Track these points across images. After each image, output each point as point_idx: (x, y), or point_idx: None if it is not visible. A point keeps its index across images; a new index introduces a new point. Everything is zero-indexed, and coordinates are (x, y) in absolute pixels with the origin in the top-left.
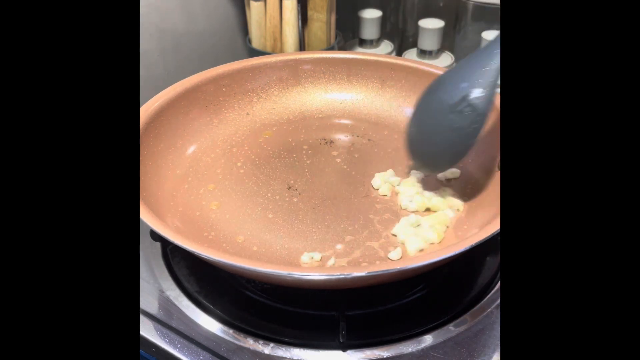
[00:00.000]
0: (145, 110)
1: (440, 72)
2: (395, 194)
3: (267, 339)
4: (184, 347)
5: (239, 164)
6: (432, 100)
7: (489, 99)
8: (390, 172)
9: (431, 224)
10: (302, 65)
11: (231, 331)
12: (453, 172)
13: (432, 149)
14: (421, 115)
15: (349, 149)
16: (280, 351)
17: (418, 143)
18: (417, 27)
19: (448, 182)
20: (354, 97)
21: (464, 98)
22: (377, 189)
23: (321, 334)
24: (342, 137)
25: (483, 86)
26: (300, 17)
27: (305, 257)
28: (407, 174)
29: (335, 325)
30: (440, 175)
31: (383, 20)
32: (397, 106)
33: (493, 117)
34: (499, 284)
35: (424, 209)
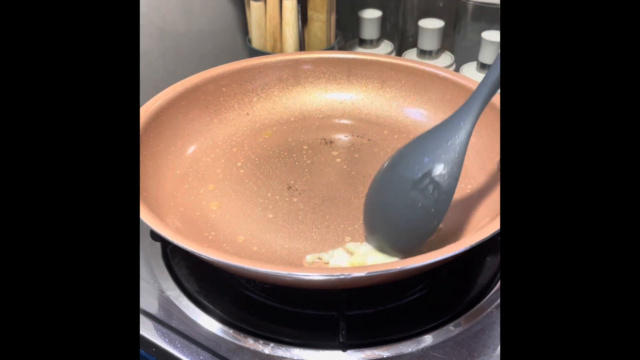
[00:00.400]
0: (145, 110)
1: (440, 72)
2: None
3: (267, 339)
4: (184, 347)
5: (239, 164)
6: (393, 175)
7: (454, 177)
8: None
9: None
10: (302, 65)
11: (231, 331)
12: None
13: (392, 230)
14: (380, 190)
15: (349, 149)
16: (280, 351)
17: (376, 222)
18: (417, 27)
19: None
20: (354, 97)
21: (427, 174)
22: None
23: (321, 334)
24: (342, 137)
25: (446, 162)
26: (300, 17)
27: (309, 258)
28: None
29: (335, 325)
30: None
31: (383, 20)
32: (397, 106)
33: (493, 117)
34: (499, 284)
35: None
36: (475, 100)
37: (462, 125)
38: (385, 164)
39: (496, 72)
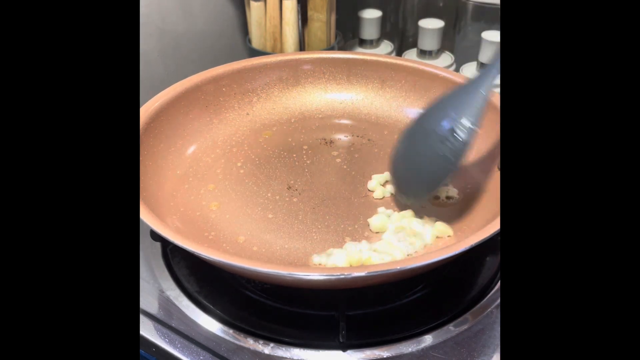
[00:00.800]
0: (145, 110)
1: (440, 72)
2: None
3: (267, 339)
4: (184, 347)
5: (239, 164)
6: (419, 128)
7: (473, 129)
8: (387, 174)
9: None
10: (302, 65)
11: (231, 331)
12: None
13: (414, 176)
14: (407, 142)
15: (349, 149)
16: (280, 351)
17: (401, 169)
18: (417, 27)
19: (447, 201)
20: (354, 97)
21: (451, 127)
22: (373, 192)
23: (321, 334)
24: (342, 137)
25: (469, 116)
26: (300, 17)
27: (316, 259)
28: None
29: (335, 325)
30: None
31: (383, 20)
32: (397, 106)
33: (493, 117)
34: (499, 284)
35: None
36: (494, 63)
37: (484, 82)
38: (412, 121)
39: None
